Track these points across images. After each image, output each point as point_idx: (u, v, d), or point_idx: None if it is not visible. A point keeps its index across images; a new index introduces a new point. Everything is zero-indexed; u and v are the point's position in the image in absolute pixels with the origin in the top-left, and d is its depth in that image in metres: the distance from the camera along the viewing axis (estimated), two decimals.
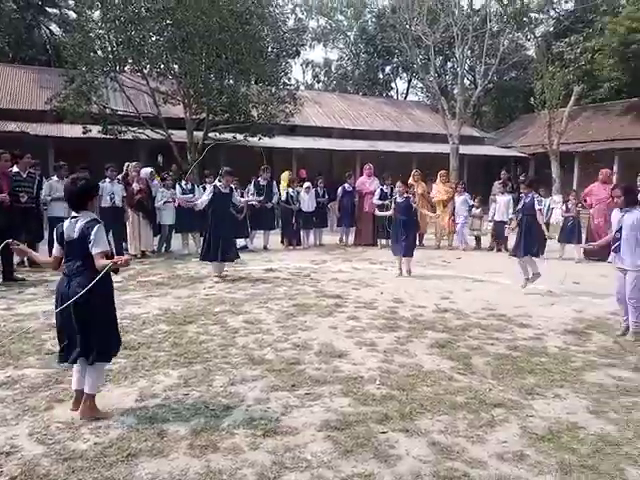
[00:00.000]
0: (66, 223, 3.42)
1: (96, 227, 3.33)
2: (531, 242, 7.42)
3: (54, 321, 3.60)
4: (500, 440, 3.25)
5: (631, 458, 3.07)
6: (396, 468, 2.94)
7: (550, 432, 3.35)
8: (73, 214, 3.43)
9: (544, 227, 7.91)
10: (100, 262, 3.32)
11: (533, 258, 7.43)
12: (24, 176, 8.21)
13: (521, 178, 8.23)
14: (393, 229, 8.77)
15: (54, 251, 3.54)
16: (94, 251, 3.31)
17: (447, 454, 3.08)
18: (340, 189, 12.41)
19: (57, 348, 3.61)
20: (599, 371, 4.42)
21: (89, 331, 3.33)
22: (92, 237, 3.30)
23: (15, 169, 8.12)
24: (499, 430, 3.38)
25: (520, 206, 7.74)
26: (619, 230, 5.35)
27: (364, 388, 3.97)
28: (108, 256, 3.37)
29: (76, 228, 3.35)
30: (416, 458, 3.04)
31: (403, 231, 8.41)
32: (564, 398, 3.88)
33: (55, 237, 3.48)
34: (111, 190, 9.28)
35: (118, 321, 3.74)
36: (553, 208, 12.86)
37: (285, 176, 12.24)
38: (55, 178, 8.86)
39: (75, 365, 3.48)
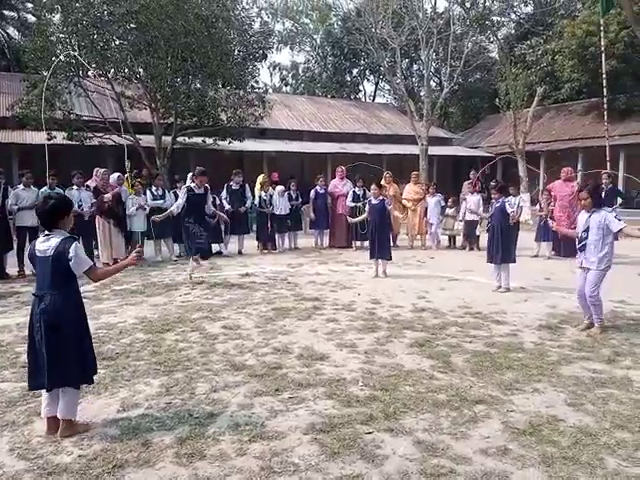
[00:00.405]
0: (38, 241, 3.33)
1: (73, 245, 3.25)
2: (506, 249, 7.48)
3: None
4: (483, 436, 3.32)
5: (610, 448, 3.17)
6: (383, 468, 2.97)
7: (531, 426, 3.43)
8: (46, 232, 3.33)
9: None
10: (96, 275, 3.37)
11: (509, 265, 7.54)
12: None
13: (492, 183, 8.31)
14: (369, 232, 8.83)
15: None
16: (82, 269, 3.27)
17: (432, 451, 3.13)
18: (313, 192, 12.42)
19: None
20: (574, 364, 4.55)
21: (61, 357, 3.22)
22: (71, 256, 3.22)
23: None
24: (482, 426, 3.44)
25: (491, 212, 7.80)
26: (585, 230, 5.50)
27: (347, 390, 3.99)
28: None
29: (50, 246, 3.25)
30: (402, 457, 3.08)
31: (378, 233, 8.48)
32: (542, 392, 3.97)
33: (28, 257, 3.40)
34: (79, 197, 9.09)
35: (93, 330, 3.67)
36: (522, 206, 13.14)
37: (261, 179, 12.18)
38: (21, 186, 8.62)
39: (43, 392, 3.36)
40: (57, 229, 3.32)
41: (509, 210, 7.40)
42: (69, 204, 3.46)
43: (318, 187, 12.43)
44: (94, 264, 3.40)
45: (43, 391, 3.36)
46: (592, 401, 3.81)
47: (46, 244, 3.28)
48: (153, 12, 14.98)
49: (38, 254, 3.29)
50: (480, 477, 2.87)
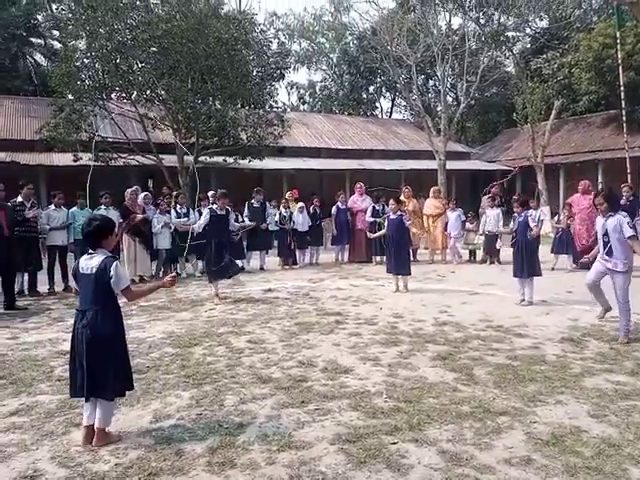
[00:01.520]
0: (82, 259, 3.54)
1: (114, 264, 3.44)
2: (531, 263, 7.54)
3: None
4: (507, 446, 3.37)
5: (633, 458, 3.20)
6: (409, 476, 3.05)
7: (554, 437, 3.47)
8: (90, 251, 3.54)
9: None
10: (131, 295, 3.58)
11: (534, 279, 7.58)
12: (28, 206, 8.34)
13: (514, 197, 8.38)
14: (387, 247, 8.93)
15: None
16: (120, 287, 3.46)
17: (457, 461, 3.19)
18: (334, 207, 12.63)
19: (66, 374, 3.70)
20: (597, 376, 4.57)
21: (99, 370, 3.40)
22: (112, 274, 3.41)
23: (19, 199, 8.25)
24: (505, 437, 3.50)
25: (515, 227, 7.85)
26: (605, 234, 5.58)
27: (372, 402, 4.08)
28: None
29: (92, 264, 3.46)
30: (427, 466, 3.15)
31: (397, 248, 8.57)
32: (565, 404, 4.01)
33: (72, 274, 3.63)
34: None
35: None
36: (542, 219, 13.14)
37: (287, 196, 12.56)
38: (52, 207, 8.95)
39: (84, 401, 3.53)
40: (100, 248, 3.53)
41: (532, 224, 7.46)
42: (112, 225, 3.70)
43: (339, 203, 12.63)
44: (129, 285, 3.57)
45: (84, 400, 3.52)
46: (615, 412, 3.83)
47: (90, 262, 3.47)
48: (175, 37, 15.44)
49: (82, 271, 3.49)
50: None
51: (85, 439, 3.45)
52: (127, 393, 3.73)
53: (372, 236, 10.02)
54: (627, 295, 5.53)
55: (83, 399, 3.51)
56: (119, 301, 3.64)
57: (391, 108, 39.96)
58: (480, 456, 3.25)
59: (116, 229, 9.31)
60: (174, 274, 4.10)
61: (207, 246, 8.03)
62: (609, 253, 5.60)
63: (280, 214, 11.77)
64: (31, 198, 8.48)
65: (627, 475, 3.03)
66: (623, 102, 15.78)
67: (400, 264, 8.57)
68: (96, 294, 3.44)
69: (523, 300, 7.54)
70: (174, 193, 11.54)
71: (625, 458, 3.20)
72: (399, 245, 8.59)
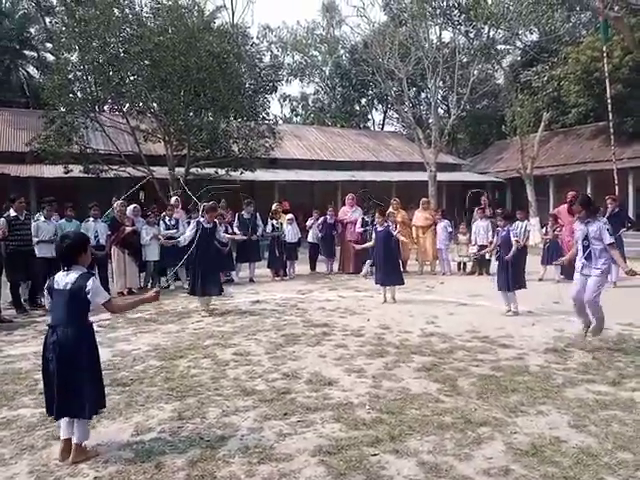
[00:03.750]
0: (58, 275, 3.49)
1: (90, 280, 3.42)
2: (515, 276, 7.64)
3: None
4: (486, 457, 3.39)
5: (611, 468, 3.23)
6: None
7: (533, 447, 3.49)
8: (65, 268, 3.50)
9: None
10: (113, 308, 3.54)
11: (516, 293, 7.65)
12: (22, 219, 8.34)
13: (498, 211, 8.48)
14: (375, 259, 8.99)
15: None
16: (100, 302, 3.43)
17: (436, 472, 3.21)
18: (321, 220, 12.71)
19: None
20: (579, 387, 4.60)
21: (73, 389, 3.35)
22: (89, 289, 3.37)
23: (12, 213, 8.22)
24: (485, 447, 3.52)
25: (497, 241, 7.96)
26: (585, 239, 5.64)
27: (354, 413, 4.09)
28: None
29: (67, 280, 3.42)
30: (406, 477, 3.16)
31: (385, 260, 8.61)
32: (546, 414, 4.03)
33: (46, 288, 3.56)
34: (95, 229, 9.36)
35: (108, 357, 3.82)
36: (529, 230, 13.23)
37: (274, 207, 12.60)
38: (42, 219, 8.88)
39: None
40: (76, 265, 3.50)
41: (513, 239, 7.56)
42: (85, 241, 3.63)
43: (328, 216, 12.72)
44: (110, 298, 3.56)
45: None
46: (595, 422, 3.86)
47: (65, 279, 3.45)
48: (167, 50, 15.53)
49: (56, 286, 3.45)
50: None
51: (62, 454, 3.41)
52: (106, 408, 3.70)
53: (358, 247, 10.07)
54: (598, 297, 5.56)
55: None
56: (102, 316, 3.64)
57: (383, 120, 40.30)
58: (459, 467, 3.27)
59: (105, 242, 9.42)
60: (157, 289, 4.08)
61: (191, 259, 8.02)
62: (588, 258, 5.65)
63: (273, 225, 11.82)
64: (24, 211, 8.46)
65: None
66: (611, 114, 15.97)
67: (389, 275, 8.61)
68: (69, 310, 3.39)
69: (509, 311, 7.59)
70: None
71: (602, 467, 3.23)
72: (387, 256, 8.64)
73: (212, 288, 8.06)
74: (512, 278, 7.57)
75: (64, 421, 3.47)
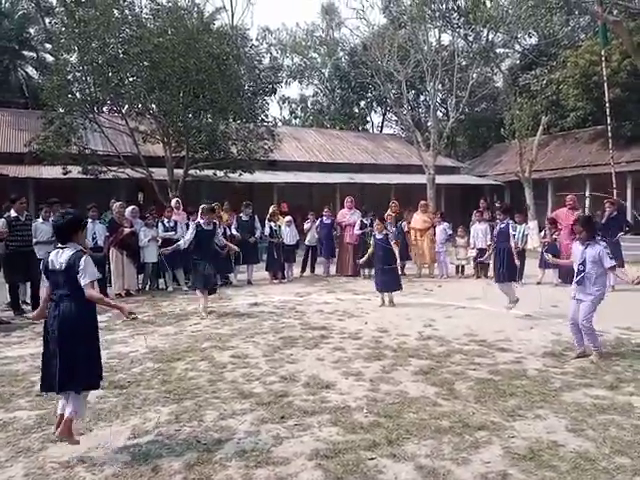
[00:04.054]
0: (52, 254, 3.57)
1: (83, 257, 3.49)
2: (511, 269, 7.70)
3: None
4: (484, 461, 3.39)
5: (608, 472, 3.23)
6: None
7: (531, 451, 3.49)
8: (59, 245, 3.58)
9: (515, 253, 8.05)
10: (91, 293, 3.49)
11: (513, 284, 7.68)
12: (23, 220, 8.33)
13: (497, 205, 8.54)
14: (375, 265, 8.99)
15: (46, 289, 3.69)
16: (83, 282, 3.46)
17: (434, 477, 3.20)
18: (318, 221, 12.70)
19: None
20: (577, 391, 4.60)
21: (72, 361, 3.42)
22: (80, 267, 3.44)
23: (13, 213, 8.21)
24: (483, 451, 3.51)
25: (495, 233, 8.01)
26: (582, 263, 5.56)
27: (352, 417, 4.08)
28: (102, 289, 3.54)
29: (62, 258, 3.50)
30: None
31: (384, 267, 8.61)
32: (544, 418, 4.03)
33: (42, 269, 3.63)
34: (93, 230, 9.35)
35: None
36: (528, 234, 13.22)
37: (271, 210, 12.55)
38: (40, 220, 8.86)
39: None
40: (71, 242, 3.57)
41: (512, 232, 7.61)
42: (83, 220, 3.80)
43: (324, 217, 12.70)
44: (96, 280, 3.62)
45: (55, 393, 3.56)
46: (593, 427, 3.86)
47: (59, 259, 3.51)
48: (166, 51, 15.52)
49: (51, 267, 3.53)
50: None
51: (56, 428, 3.51)
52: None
53: (361, 261, 9.97)
54: (590, 320, 5.47)
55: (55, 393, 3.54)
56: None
57: (382, 123, 40.29)
58: (457, 471, 3.26)
59: (103, 243, 9.40)
60: (135, 315, 3.91)
61: (193, 263, 8.04)
62: (580, 282, 5.56)
63: (271, 228, 11.78)
64: (24, 211, 8.45)
65: None
66: (609, 118, 16.02)
67: (388, 282, 8.63)
68: (69, 287, 3.48)
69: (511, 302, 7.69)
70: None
71: (600, 472, 3.23)
72: (386, 263, 8.63)
73: (213, 286, 8.15)
74: (506, 270, 7.67)
75: (61, 398, 3.53)
